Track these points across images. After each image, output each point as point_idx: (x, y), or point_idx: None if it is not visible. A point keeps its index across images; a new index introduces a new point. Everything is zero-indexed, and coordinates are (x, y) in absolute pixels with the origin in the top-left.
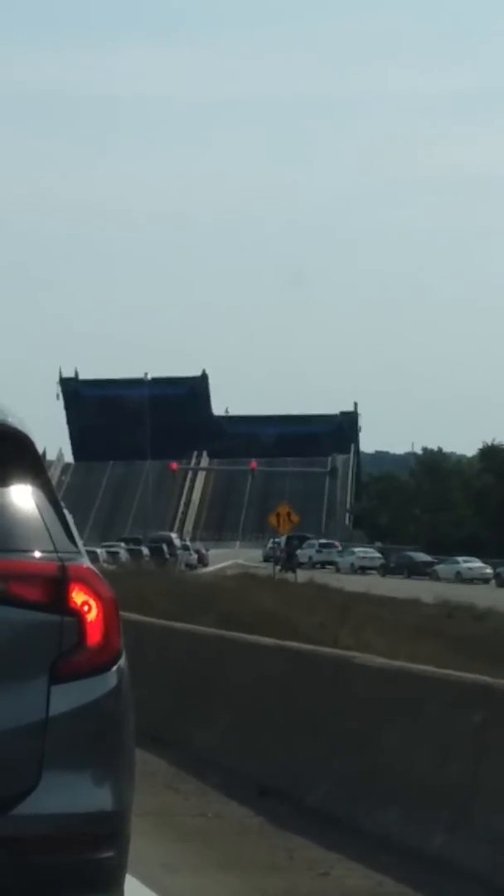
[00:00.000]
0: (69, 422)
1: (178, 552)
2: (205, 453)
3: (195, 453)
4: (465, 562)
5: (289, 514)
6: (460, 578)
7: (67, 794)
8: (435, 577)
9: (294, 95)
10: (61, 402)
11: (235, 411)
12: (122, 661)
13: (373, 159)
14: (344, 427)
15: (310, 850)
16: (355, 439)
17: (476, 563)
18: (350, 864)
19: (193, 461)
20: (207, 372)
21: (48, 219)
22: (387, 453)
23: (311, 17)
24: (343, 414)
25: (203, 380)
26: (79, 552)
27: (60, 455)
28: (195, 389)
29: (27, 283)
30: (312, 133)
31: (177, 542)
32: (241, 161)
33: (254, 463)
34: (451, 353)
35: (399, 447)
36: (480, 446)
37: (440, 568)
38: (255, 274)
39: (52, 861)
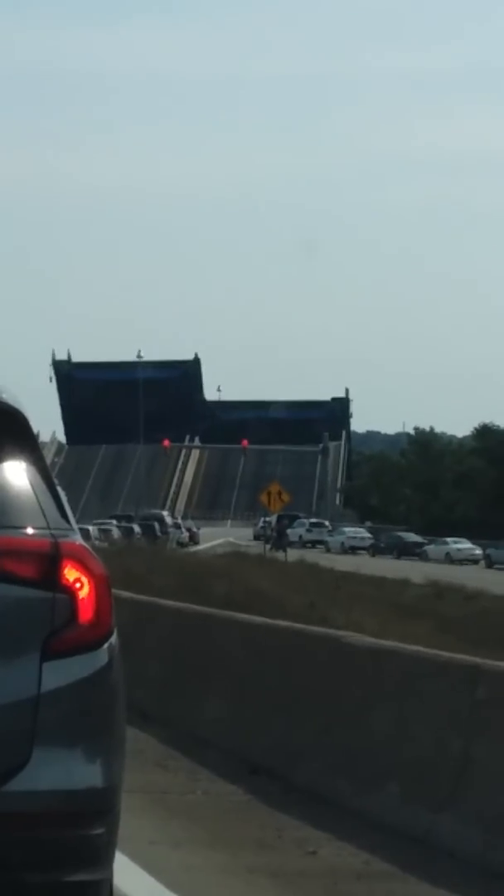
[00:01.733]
0: (62, 404)
1: (170, 530)
2: (197, 439)
3: (187, 437)
4: (455, 543)
5: (280, 493)
6: (450, 559)
7: (58, 771)
8: (425, 557)
9: (294, 73)
10: (54, 385)
11: (228, 394)
12: (114, 639)
13: (369, 137)
14: (336, 413)
15: (299, 829)
16: (347, 426)
17: (466, 544)
18: (339, 843)
19: (183, 454)
20: (200, 356)
21: (43, 199)
22: (378, 433)
23: None
24: (334, 400)
25: (195, 364)
26: (71, 529)
27: (54, 437)
28: (188, 373)
29: (20, 265)
30: (312, 112)
31: (168, 520)
32: (239, 141)
33: (245, 441)
34: (445, 334)
35: (390, 427)
36: (474, 427)
37: (430, 549)
38: (248, 256)
39: (42, 837)
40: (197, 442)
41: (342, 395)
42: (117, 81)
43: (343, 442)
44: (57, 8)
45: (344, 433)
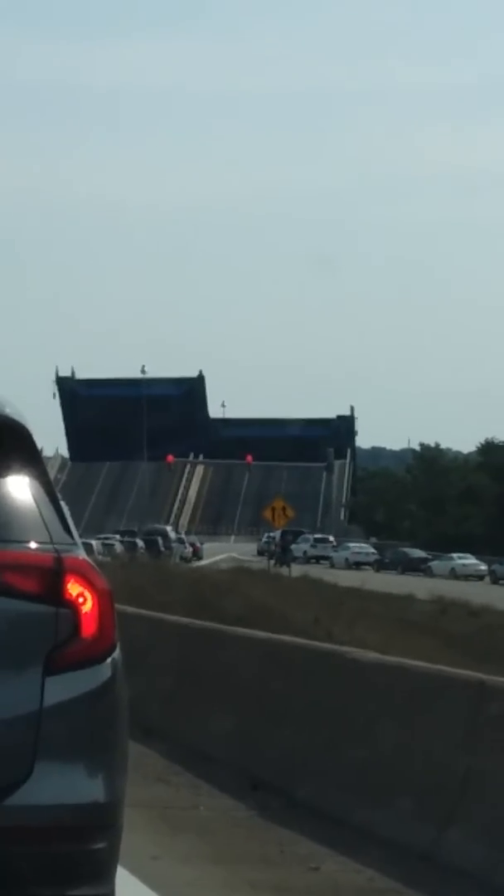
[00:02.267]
0: (65, 420)
1: (173, 545)
2: (201, 456)
3: (191, 455)
4: (460, 558)
5: (284, 509)
6: (454, 575)
7: (60, 785)
8: (429, 573)
9: (297, 88)
10: (57, 401)
11: (232, 411)
12: (117, 654)
13: (374, 154)
14: (340, 431)
15: (301, 845)
16: (352, 444)
17: (471, 560)
18: (341, 859)
19: (189, 465)
20: (204, 373)
21: (46, 213)
22: (383, 449)
23: (316, 10)
24: (339, 418)
25: (199, 381)
26: (75, 544)
27: (57, 453)
28: (192, 390)
29: (23, 279)
30: (315, 127)
31: (172, 535)
32: (246, 156)
33: (250, 457)
34: (450, 350)
35: (396, 443)
36: (479, 443)
37: (435, 564)
38: (254, 272)
39: (44, 852)
40: (200, 458)
41: (347, 412)
42: (124, 95)
43: (348, 461)
44: (59, 22)
45: (349, 451)
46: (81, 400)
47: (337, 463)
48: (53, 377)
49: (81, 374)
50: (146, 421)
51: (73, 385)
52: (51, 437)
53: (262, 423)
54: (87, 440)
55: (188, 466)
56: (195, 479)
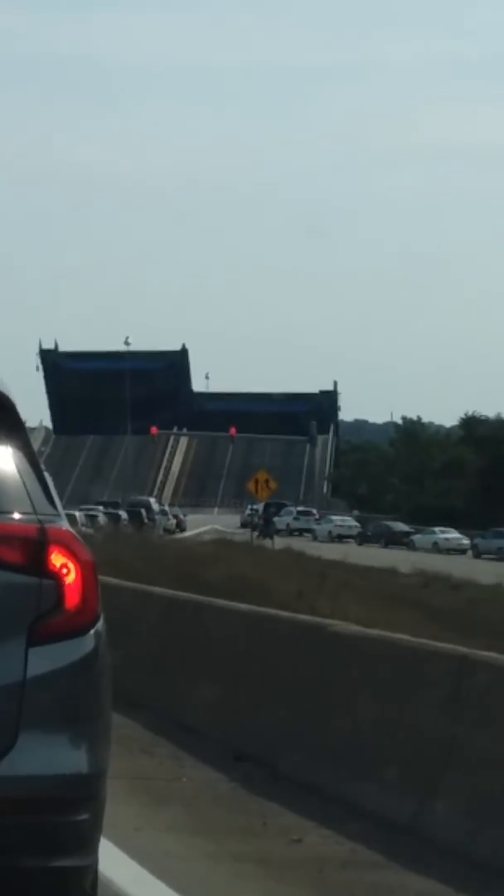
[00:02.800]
0: (48, 393)
1: (157, 517)
2: (185, 429)
3: (175, 427)
4: (443, 532)
5: (267, 481)
6: (437, 549)
7: (44, 756)
8: (412, 546)
9: (289, 63)
10: (41, 374)
11: (216, 383)
12: (100, 625)
13: (365, 129)
14: (323, 406)
15: (284, 817)
16: (335, 419)
17: (453, 534)
18: (324, 832)
19: (172, 437)
20: (188, 346)
21: (31, 185)
22: (366, 422)
23: None
24: (323, 393)
25: (183, 354)
26: (58, 515)
27: (41, 425)
28: (175, 364)
29: (6, 252)
30: (308, 102)
31: (155, 506)
32: (232, 130)
33: (233, 429)
34: (433, 324)
35: (379, 416)
36: (461, 417)
37: (417, 538)
38: (238, 245)
39: (26, 822)
40: (183, 438)
41: (330, 387)
42: (109, 67)
43: (331, 435)
44: None
45: (332, 426)
46: (64, 372)
47: (320, 437)
48: (37, 349)
49: (65, 347)
50: (130, 394)
51: (56, 358)
52: (34, 410)
53: (245, 397)
54: (71, 413)
55: (172, 439)
56: (179, 451)
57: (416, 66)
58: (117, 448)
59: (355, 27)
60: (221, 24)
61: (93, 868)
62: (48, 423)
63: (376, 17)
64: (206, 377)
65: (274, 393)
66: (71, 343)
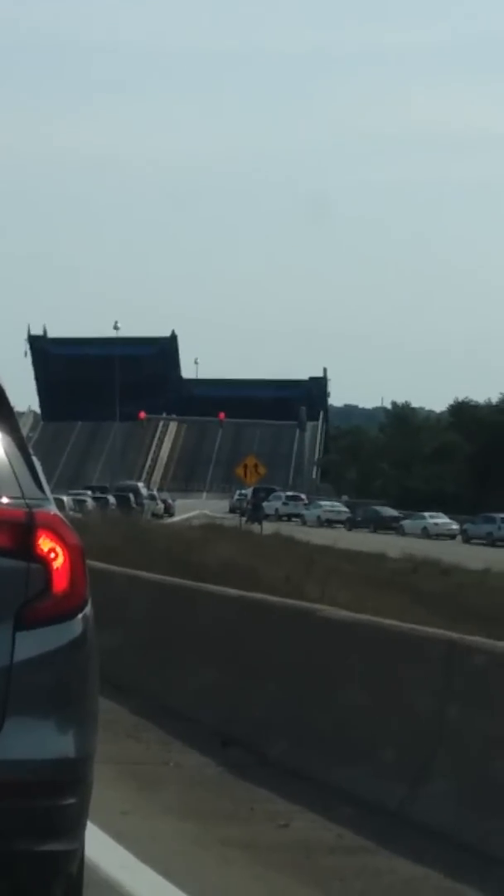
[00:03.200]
0: (37, 379)
1: (145, 501)
2: (174, 415)
3: (164, 414)
4: (432, 517)
5: (256, 466)
6: (426, 534)
7: (31, 740)
8: (401, 531)
9: (288, 49)
10: (29, 359)
11: (205, 368)
12: (88, 609)
13: (360, 115)
14: (313, 393)
15: (271, 802)
16: (324, 406)
17: (442, 519)
18: (311, 817)
19: (161, 424)
20: (177, 332)
21: (19, 168)
22: (356, 407)
23: None
24: (312, 380)
25: (172, 340)
26: (46, 499)
27: (30, 410)
28: (164, 350)
29: None
30: (304, 88)
31: (143, 491)
32: (225, 114)
33: (222, 414)
34: (424, 309)
35: (368, 401)
36: (450, 402)
37: (406, 523)
38: (227, 230)
39: (13, 807)
40: (173, 424)
41: (320, 374)
42: (111, 51)
43: (320, 422)
44: None
45: (321, 413)
46: (53, 358)
47: (309, 424)
48: (25, 335)
49: (53, 333)
50: (118, 380)
51: (44, 344)
52: (23, 396)
53: (234, 383)
54: (59, 398)
55: (161, 424)
56: (167, 437)
57: (414, 51)
58: (105, 434)
59: (354, 12)
60: (220, 9)
61: (79, 852)
62: (37, 409)
63: (375, 2)
64: (196, 362)
65: (263, 380)
66: (60, 329)
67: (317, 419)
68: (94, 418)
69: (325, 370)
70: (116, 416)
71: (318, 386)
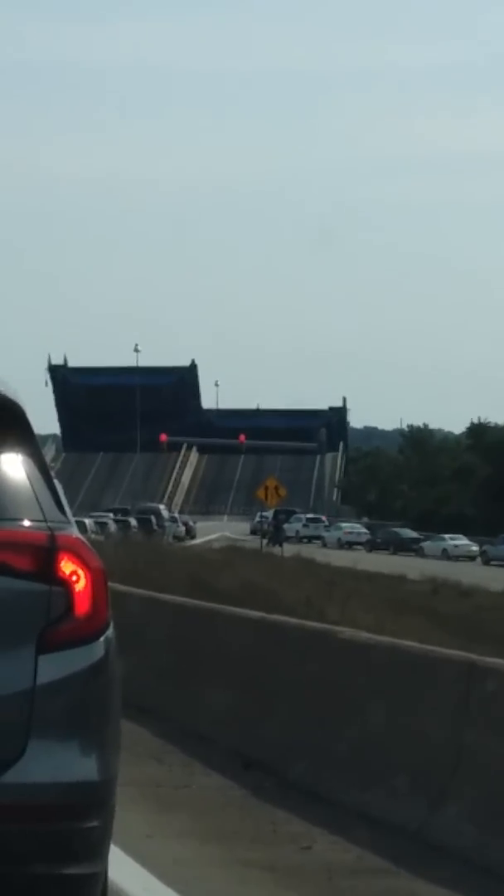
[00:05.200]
0: (58, 408)
1: (166, 524)
2: (194, 448)
3: (184, 446)
4: (452, 539)
5: (276, 488)
6: (446, 555)
7: (53, 764)
8: (421, 553)
9: (294, 69)
10: (50, 389)
11: (225, 393)
12: (110, 632)
13: (372, 136)
14: (332, 423)
15: (293, 824)
16: (344, 437)
17: (462, 541)
18: (333, 838)
19: (182, 455)
20: (196, 360)
21: (39, 197)
22: (375, 429)
23: None
24: (332, 409)
25: (192, 370)
26: (68, 522)
27: (50, 443)
28: (184, 379)
29: (14, 266)
30: (313, 108)
31: (165, 513)
32: (237, 139)
33: (243, 436)
34: (441, 331)
35: (388, 423)
36: (468, 424)
37: (426, 545)
38: (246, 256)
39: (36, 830)
40: (195, 452)
41: (339, 401)
42: (121, 75)
43: (340, 452)
44: (53, 2)
45: (341, 444)
46: (73, 388)
47: (329, 455)
48: (46, 365)
49: (74, 363)
50: (139, 411)
51: (65, 373)
52: (43, 426)
53: (254, 413)
54: (80, 428)
55: (182, 453)
56: (188, 467)
57: (423, 73)
58: (126, 464)
59: (362, 33)
60: (226, 30)
61: (102, 875)
62: (58, 440)
63: (383, 24)
64: (216, 384)
65: (283, 409)
66: (79, 356)
67: (336, 450)
68: (115, 447)
69: (344, 400)
70: (137, 446)
71: (337, 415)
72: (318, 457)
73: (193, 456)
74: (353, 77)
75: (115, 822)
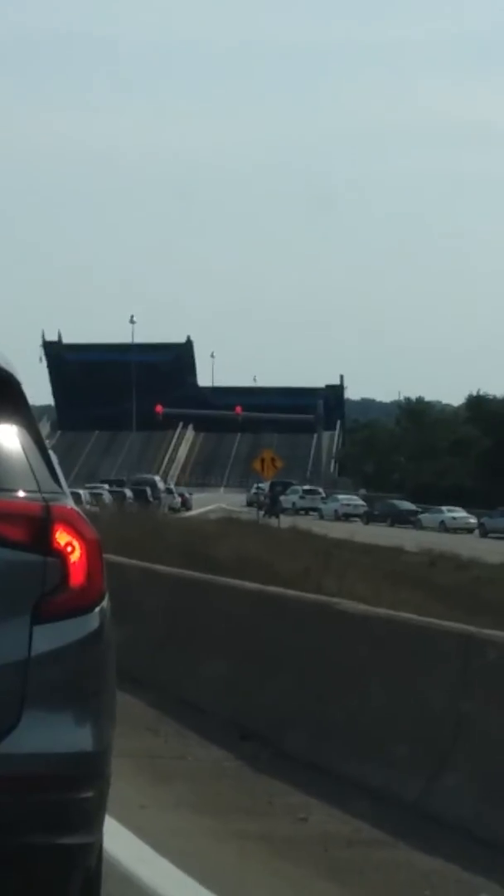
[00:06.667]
0: (52, 385)
1: (162, 495)
2: (190, 426)
3: (180, 424)
4: (450, 511)
5: (273, 460)
6: (444, 528)
7: (48, 734)
8: (419, 525)
9: (295, 41)
10: (44, 365)
11: (221, 367)
12: (105, 603)
13: (371, 106)
14: (329, 401)
15: (289, 795)
16: (341, 415)
17: (460, 513)
18: (329, 810)
19: (178, 432)
20: (192, 336)
21: (34, 170)
22: (373, 401)
23: None
24: (328, 387)
25: (188, 346)
26: (63, 493)
27: (46, 420)
28: (180, 356)
29: (8, 243)
30: (313, 81)
31: (160, 485)
32: (237, 110)
33: (239, 408)
34: (439, 303)
35: (386, 395)
36: (466, 396)
37: (424, 517)
38: (243, 229)
39: (31, 800)
40: (191, 430)
41: (336, 380)
42: (122, 45)
43: (337, 431)
44: None
45: (339, 422)
46: (68, 364)
47: (326, 434)
48: (40, 341)
49: (68, 338)
50: (135, 387)
51: (59, 350)
52: (37, 402)
53: (250, 391)
54: (75, 405)
55: (178, 432)
56: (184, 444)
57: (422, 44)
58: (122, 441)
59: (362, 5)
60: (227, 1)
61: (97, 845)
62: (53, 414)
63: None
64: (212, 356)
65: (279, 387)
66: (73, 332)
67: (333, 428)
68: (110, 426)
69: (341, 377)
70: (133, 423)
71: (334, 394)
72: (315, 436)
73: (190, 433)
74: (353, 47)
75: (111, 793)
